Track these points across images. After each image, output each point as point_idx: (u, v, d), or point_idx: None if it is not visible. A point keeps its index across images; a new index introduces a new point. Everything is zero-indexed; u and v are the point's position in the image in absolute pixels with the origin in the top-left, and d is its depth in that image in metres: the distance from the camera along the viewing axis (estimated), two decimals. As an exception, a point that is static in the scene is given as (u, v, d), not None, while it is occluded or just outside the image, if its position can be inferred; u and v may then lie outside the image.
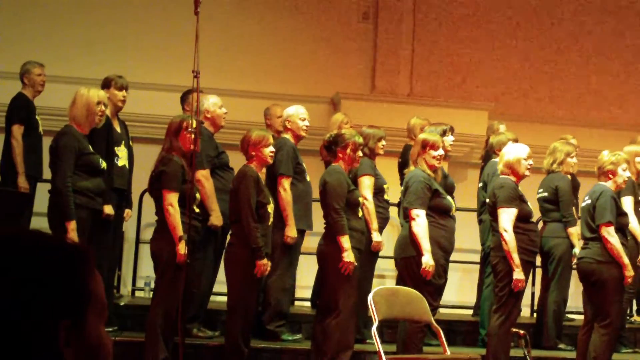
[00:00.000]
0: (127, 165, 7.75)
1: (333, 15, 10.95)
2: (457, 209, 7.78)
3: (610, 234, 7.33)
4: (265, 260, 6.90)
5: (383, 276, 9.57)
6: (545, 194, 8.38)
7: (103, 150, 7.31)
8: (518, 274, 7.15)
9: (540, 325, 8.53)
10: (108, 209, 7.24)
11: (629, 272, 7.34)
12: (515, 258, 7.14)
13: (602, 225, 7.37)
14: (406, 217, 7.38)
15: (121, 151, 7.66)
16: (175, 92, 8.70)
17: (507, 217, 7.22)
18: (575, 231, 8.24)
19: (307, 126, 8.15)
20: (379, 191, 8.21)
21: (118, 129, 7.74)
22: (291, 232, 7.75)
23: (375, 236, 7.99)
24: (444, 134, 8.00)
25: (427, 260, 7.10)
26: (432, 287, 7.21)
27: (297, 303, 8.44)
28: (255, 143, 7.08)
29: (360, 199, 7.46)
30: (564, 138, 9.03)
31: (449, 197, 7.53)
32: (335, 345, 7.06)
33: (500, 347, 7.29)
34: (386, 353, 6.39)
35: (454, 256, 7.68)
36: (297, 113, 8.14)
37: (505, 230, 7.18)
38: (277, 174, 7.79)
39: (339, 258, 7.01)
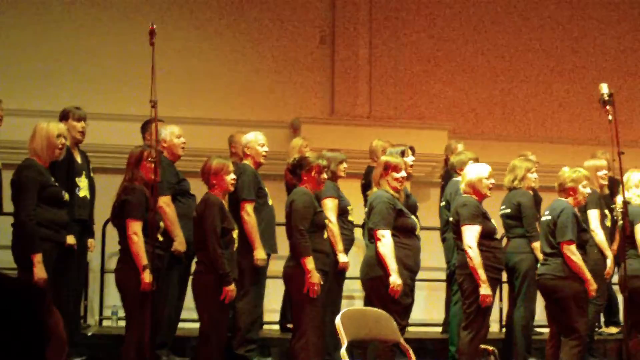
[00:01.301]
0: (88, 196, 7.70)
1: (291, 40, 11.00)
2: (421, 228, 7.81)
3: (572, 252, 7.36)
4: (232, 286, 6.86)
5: (352, 297, 9.58)
6: (508, 210, 8.40)
7: (64, 181, 7.26)
8: (485, 290, 7.19)
9: (509, 340, 8.55)
10: (70, 239, 7.18)
11: (592, 286, 7.38)
12: (481, 274, 7.18)
13: (564, 243, 7.41)
14: (371, 238, 7.38)
15: (82, 182, 7.61)
16: (135, 122, 8.66)
17: (470, 234, 7.27)
18: (539, 245, 8.27)
19: (266, 152, 8.15)
20: (343, 213, 8.25)
21: (79, 160, 7.70)
22: (260, 254, 7.74)
23: (342, 257, 8.02)
24: (402, 154, 8.05)
25: (395, 280, 7.11)
26: (400, 306, 7.22)
27: (265, 327, 8.43)
28: (216, 171, 7.03)
29: (325, 221, 7.47)
30: (523, 155, 9.10)
31: (413, 217, 7.56)
32: None
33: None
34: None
35: (419, 275, 7.70)
36: (255, 139, 8.14)
37: (470, 247, 7.23)
38: (240, 199, 7.79)
39: (303, 280, 7.00)
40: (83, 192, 7.61)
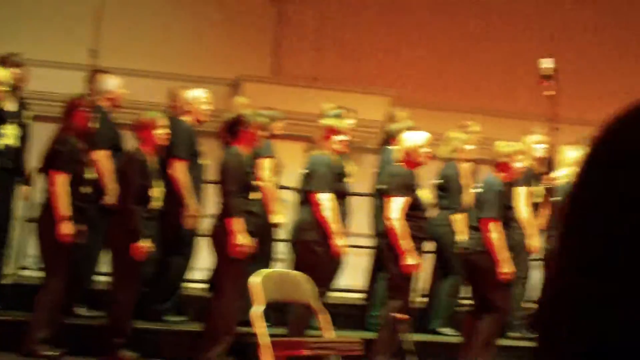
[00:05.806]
0: (15, 144, 7.60)
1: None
2: (351, 194, 7.83)
3: (493, 229, 7.33)
4: (143, 243, 6.82)
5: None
6: (437, 181, 8.48)
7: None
8: (408, 259, 7.22)
9: (428, 310, 8.63)
10: None
11: (503, 269, 7.30)
12: (404, 244, 7.21)
13: (484, 219, 7.37)
14: (305, 201, 7.41)
15: (7, 129, 7.52)
16: (77, 71, 8.61)
17: (396, 205, 7.28)
18: (458, 218, 8.32)
19: (208, 110, 8.08)
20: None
21: (8, 108, 7.64)
22: (190, 213, 7.70)
23: (273, 218, 7.95)
24: (337, 117, 8.10)
25: (340, 241, 7.23)
26: (327, 270, 7.24)
27: (187, 284, 8.41)
28: (146, 126, 7.03)
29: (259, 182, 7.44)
30: (463, 125, 9.09)
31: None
32: (217, 327, 7.06)
33: (391, 332, 7.31)
34: (274, 336, 6.38)
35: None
36: (199, 97, 8.06)
37: (394, 218, 7.26)
38: (170, 156, 7.71)
39: (227, 240, 6.99)
40: (7, 139, 7.52)
